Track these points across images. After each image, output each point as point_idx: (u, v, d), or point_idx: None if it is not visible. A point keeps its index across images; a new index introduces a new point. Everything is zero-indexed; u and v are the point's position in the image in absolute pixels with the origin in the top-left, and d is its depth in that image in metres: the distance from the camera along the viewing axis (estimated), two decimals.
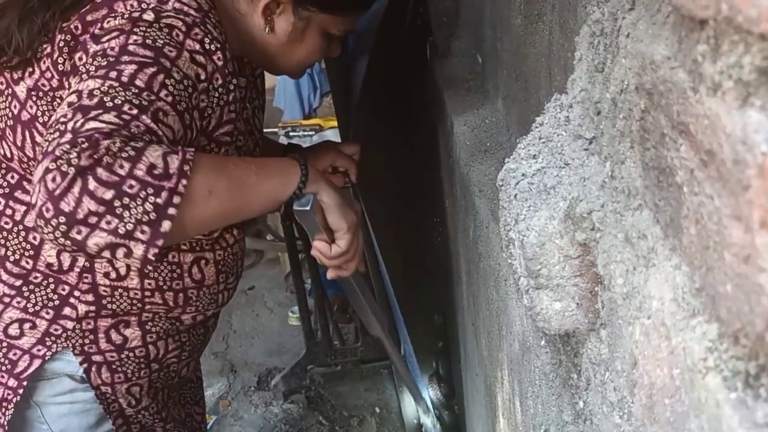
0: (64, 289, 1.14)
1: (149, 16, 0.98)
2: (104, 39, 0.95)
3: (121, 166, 0.84)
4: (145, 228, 0.85)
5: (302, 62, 1.29)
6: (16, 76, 1.06)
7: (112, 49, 0.93)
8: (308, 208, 1.03)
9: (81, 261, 1.13)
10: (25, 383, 1.14)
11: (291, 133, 3.14)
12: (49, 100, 1.02)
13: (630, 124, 0.51)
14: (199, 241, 1.19)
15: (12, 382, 1.15)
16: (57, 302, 1.14)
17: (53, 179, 0.82)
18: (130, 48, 0.93)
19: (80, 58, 0.97)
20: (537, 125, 0.69)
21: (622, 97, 0.52)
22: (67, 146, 0.83)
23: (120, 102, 0.88)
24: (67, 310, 1.15)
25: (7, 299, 1.15)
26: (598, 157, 0.59)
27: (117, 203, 0.83)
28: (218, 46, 1.03)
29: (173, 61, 0.96)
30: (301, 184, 1.06)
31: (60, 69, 1.00)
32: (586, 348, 0.62)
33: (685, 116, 0.40)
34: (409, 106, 2.04)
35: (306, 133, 3.13)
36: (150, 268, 1.15)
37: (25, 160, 1.08)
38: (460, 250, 1.60)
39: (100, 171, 0.83)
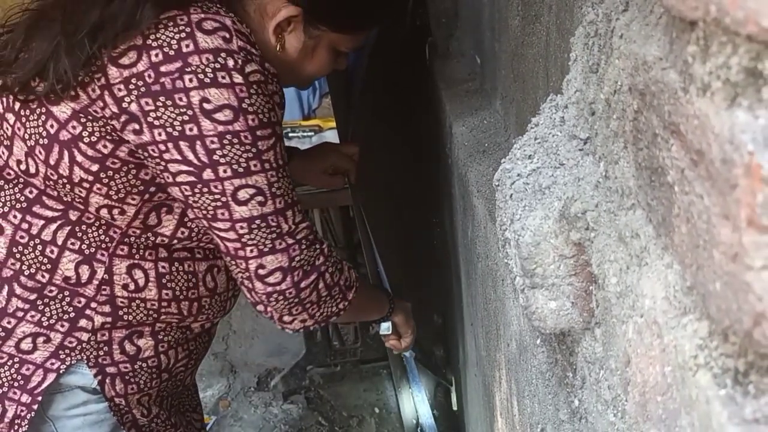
0: (80, 302, 1.14)
1: (238, 79, 1.01)
2: (219, 117, 1.00)
3: (336, 274, 1.19)
4: (326, 319, 1.23)
5: (310, 77, 1.31)
6: (53, 97, 1.05)
7: (243, 134, 1.03)
8: (389, 332, 1.58)
9: (100, 273, 1.13)
10: (39, 398, 1.14)
11: (290, 134, 3.14)
12: (102, 124, 1.03)
13: (623, 125, 0.51)
14: (212, 250, 1.21)
15: (26, 398, 1.14)
16: (72, 314, 1.14)
17: (299, 274, 1.12)
18: (258, 133, 1.04)
19: (147, 104, 1.00)
20: (533, 126, 0.69)
21: (615, 98, 0.53)
22: (303, 247, 1.12)
23: (288, 196, 1.11)
24: (83, 322, 1.15)
25: (20, 313, 1.14)
26: (593, 158, 0.59)
27: (324, 299, 1.18)
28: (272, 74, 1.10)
29: (278, 123, 1.10)
30: (388, 314, 1.52)
31: (123, 107, 1.01)
32: (582, 347, 0.62)
33: (676, 116, 0.40)
34: (409, 107, 2.05)
35: (305, 134, 3.13)
36: (166, 278, 1.17)
37: (54, 177, 1.08)
38: (458, 251, 1.61)
39: (326, 276, 1.17)
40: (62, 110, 1.05)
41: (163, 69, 0.99)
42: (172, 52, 0.99)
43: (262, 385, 2.96)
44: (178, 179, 1.04)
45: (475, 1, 1.49)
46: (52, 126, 1.06)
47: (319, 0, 1.18)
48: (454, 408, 2.18)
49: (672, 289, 0.43)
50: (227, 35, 1.01)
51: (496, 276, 1.09)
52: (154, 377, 1.23)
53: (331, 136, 2.90)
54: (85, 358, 1.16)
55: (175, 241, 1.16)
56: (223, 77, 0.99)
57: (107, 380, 1.18)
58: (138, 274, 1.15)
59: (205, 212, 1.07)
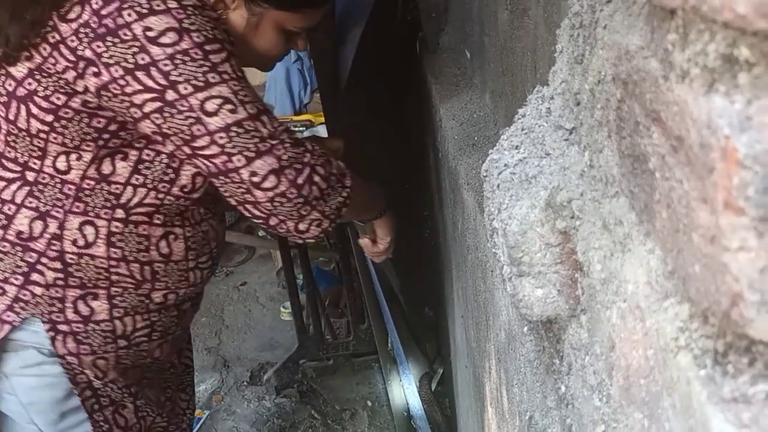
0: (31, 257, 1.19)
1: (173, 4, 1.06)
2: (164, 40, 1.06)
3: (326, 164, 1.19)
4: (336, 212, 1.22)
5: (262, 56, 1.33)
6: (11, 59, 1.13)
7: (192, 51, 1.07)
8: (363, 224, 1.55)
9: (52, 228, 1.18)
10: None
11: None
12: (55, 80, 1.11)
13: (607, 114, 0.52)
14: (169, 216, 1.23)
15: None
16: (26, 269, 1.19)
17: (291, 172, 1.13)
18: (207, 47, 1.08)
19: (98, 46, 1.06)
20: (519, 117, 0.70)
21: (599, 88, 0.53)
22: (287, 146, 1.13)
23: (258, 103, 1.13)
24: (35, 276, 1.19)
25: None
26: (578, 147, 0.60)
27: (325, 191, 1.18)
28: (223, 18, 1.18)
29: (227, 42, 1.12)
30: (382, 212, 1.51)
31: (79, 54, 1.08)
32: (568, 334, 0.63)
33: (656, 104, 0.41)
34: (399, 101, 2.05)
35: (297, 128, 3.14)
36: (117, 237, 1.20)
37: (15, 132, 1.16)
38: (449, 243, 1.61)
39: (318, 168, 1.17)
40: (19, 70, 1.12)
41: (103, 12, 1.06)
42: None
43: (255, 380, 2.96)
44: (146, 109, 1.09)
45: None
46: (10, 85, 1.14)
47: None
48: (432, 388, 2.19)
49: (654, 273, 0.44)
50: None
51: (485, 267, 1.10)
52: (109, 341, 1.25)
53: (323, 131, 2.90)
54: (39, 313, 1.20)
55: (131, 193, 1.18)
56: (158, 5, 1.06)
57: (59, 337, 1.21)
58: (88, 230, 1.19)
59: (182, 135, 1.10)
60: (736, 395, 0.35)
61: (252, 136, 1.10)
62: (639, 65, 0.44)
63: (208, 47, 1.08)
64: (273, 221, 1.18)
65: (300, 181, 1.14)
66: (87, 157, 1.15)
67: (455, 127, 1.42)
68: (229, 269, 3.68)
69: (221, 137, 1.09)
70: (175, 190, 1.21)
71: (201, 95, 1.07)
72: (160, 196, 1.20)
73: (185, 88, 1.07)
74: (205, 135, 1.09)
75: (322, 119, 2.88)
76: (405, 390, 2.32)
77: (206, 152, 1.11)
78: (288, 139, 1.14)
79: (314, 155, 1.17)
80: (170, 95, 1.07)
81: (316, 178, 1.16)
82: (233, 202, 1.18)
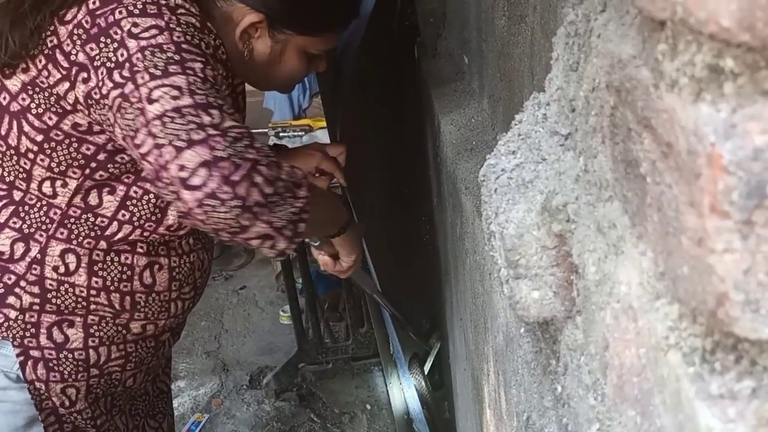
0: (10, 279, 1.16)
1: (165, 10, 1.03)
2: (144, 35, 1.00)
3: (273, 166, 0.98)
4: (290, 226, 1.00)
5: (286, 81, 1.34)
6: (7, 71, 1.11)
7: (167, 45, 1.00)
8: (316, 244, 1.36)
9: (33, 252, 1.15)
10: None
11: (281, 134, 3.16)
12: (47, 95, 1.08)
13: (601, 120, 0.54)
14: (155, 246, 1.20)
15: None
16: (2, 290, 1.16)
17: (227, 166, 0.92)
18: (184, 47, 1.01)
19: (92, 49, 1.03)
20: (516, 122, 0.72)
21: (594, 95, 0.55)
22: (229, 140, 0.94)
23: (216, 99, 0.98)
24: (11, 299, 1.16)
25: None
26: (573, 152, 0.62)
27: (271, 197, 0.96)
28: (223, 50, 1.11)
29: (214, 58, 1.06)
30: (343, 229, 1.34)
31: (72, 59, 1.05)
32: (564, 335, 0.65)
33: (647, 111, 0.43)
34: (398, 106, 2.07)
35: (296, 133, 3.15)
36: (99, 266, 1.16)
37: (3, 149, 1.13)
38: (447, 247, 1.63)
39: (262, 168, 0.96)
40: (14, 83, 1.10)
41: (98, 12, 1.03)
42: None
43: (255, 383, 2.98)
44: (114, 108, 1.00)
45: (462, 1, 1.51)
46: (5, 98, 1.11)
47: (280, 5, 1.20)
48: (425, 371, 2.18)
49: (646, 275, 0.46)
50: None
51: (483, 270, 1.11)
52: (81, 370, 1.22)
53: (322, 135, 2.92)
54: (11, 336, 1.17)
55: (116, 228, 1.15)
56: (152, 9, 1.03)
57: (29, 363, 1.18)
58: (70, 258, 1.16)
59: (129, 132, 0.98)
60: (723, 391, 0.37)
61: (188, 122, 0.94)
62: (631, 74, 0.46)
63: (184, 46, 1.01)
64: (224, 235, 1.00)
65: (235, 177, 0.93)
66: (72, 184, 1.12)
67: (453, 132, 1.43)
68: (229, 273, 3.70)
69: (155, 125, 0.94)
70: (162, 229, 1.17)
71: (153, 83, 0.96)
72: (146, 233, 1.17)
73: (142, 78, 0.97)
74: (143, 127, 0.95)
75: (321, 124, 2.90)
76: (405, 393, 2.32)
77: (143, 150, 0.95)
78: (233, 132, 0.96)
79: (260, 153, 0.97)
80: (128, 87, 0.98)
81: (258, 179, 0.95)
82: (178, 216, 1.05)
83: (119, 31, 1.01)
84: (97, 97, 1.03)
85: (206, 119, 0.94)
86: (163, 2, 1.04)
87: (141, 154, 0.96)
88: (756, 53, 0.33)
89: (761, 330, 0.34)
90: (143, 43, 0.99)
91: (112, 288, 1.19)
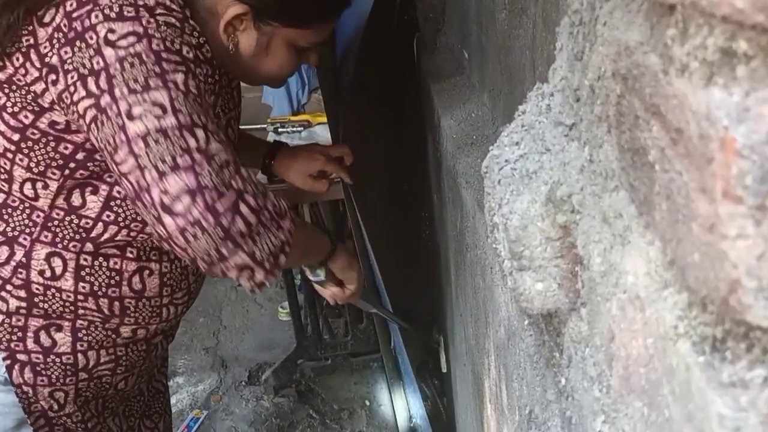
0: None
1: (143, 12, 0.99)
2: (121, 43, 0.97)
3: (259, 196, 0.98)
4: (271, 259, 1.00)
5: (274, 75, 1.28)
6: None
7: (145, 55, 0.97)
8: (322, 279, 1.37)
9: (18, 256, 1.13)
10: None
11: (280, 129, 3.15)
12: (24, 93, 1.05)
13: (607, 109, 0.53)
14: (145, 251, 1.18)
15: None
16: None
17: (212, 195, 0.92)
18: (163, 56, 0.98)
19: (66, 52, 1.00)
20: (520, 113, 0.71)
21: (599, 84, 0.54)
22: (215, 166, 0.94)
23: (201, 118, 0.97)
24: None
25: None
26: (578, 142, 0.61)
27: (255, 227, 0.97)
28: (207, 48, 1.09)
29: (194, 63, 1.02)
30: (328, 256, 1.34)
31: (46, 61, 1.02)
32: (568, 327, 0.64)
33: (656, 98, 0.42)
34: (398, 103, 2.07)
35: (295, 129, 3.14)
36: (86, 271, 1.14)
37: None
38: (448, 242, 1.62)
39: (248, 197, 0.96)
40: None
41: (75, 15, 1.00)
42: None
43: (253, 379, 2.98)
44: (87, 118, 0.98)
45: None
46: None
47: None
48: (443, 370, 2.18)
49: (653, 264, 0.45)
50: None
51: (484, 264, 1.11)
52: (69, 374, 1.20)
53: (321, 131, 2.91)
54: None
55: (101, 229, 1.13)
56: (129, 12, 0.99)
57: (16, 366, 1.17)
58: (56, 262, 1.14)
59: (107, 146, 0.97)
60: (735, 380, 0.36)
61: (173, 145, 0.93)
62: (639, 60, 0.45)
63: (164, 55, 0.98)
64: (201, 264, 0.99)
65: (220, 207, 0.93)
66: (53, 186, 1.10)
67: (453, 127, 1.43)
68: None
69: (137, 145, 0.93)
70: (149, 229, 1.09)
71: (133, 98, 0.94)
72: (133, 234, 1.15)
73: (120, 92, 0.95)
74: (124, 144, 0.94)
75: (320, 119, 2.89)
76: (406, 389, 2.32)
77: (123, 168, 0.95)
78: (218, 159, 0.95)
79: (247, 182, 0.97)
80: (104, 99, 0.95)
81: (244, 209, 0.95)
82: (157, 239, 1.01)
83: (95, 36, 0.97)
84: (68, 101, 1.01)
85: (192, 143, 0.93)
86: (141, 2, 1.00)
87: (122, 172, 0.95)
88: None
89: None
90: (121, 53, 0.96)
91: (100, 293, 1.17)
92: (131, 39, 0.97)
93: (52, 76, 1.02)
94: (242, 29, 1.17)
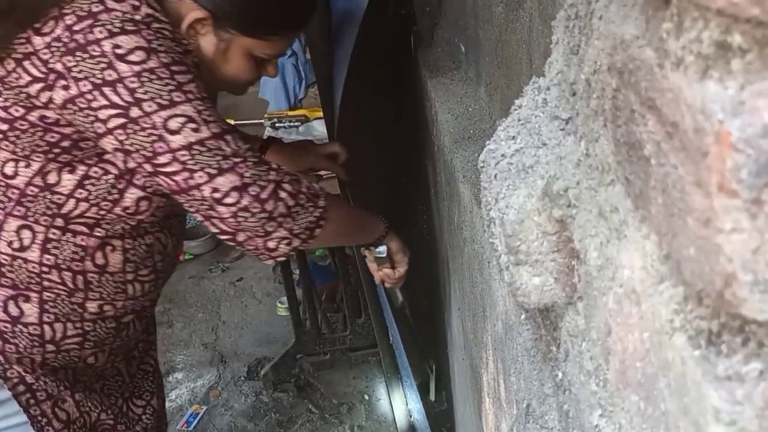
0: None
1: (143, 27, 1.08)
2: (132, 58, 1.07)
3: (294, 182, 1.19)
4: (307, 232, 1.21)
5: (231, 81, 1.33)
6: None
7: (159, 70, 1.09)
8: (384, 255, 1.50)
9: None
10: None
11: (277, 124, 3.15)
12: (16, 93, 1.12)
13: (603, 103, 0.53)
14: (113, 228, 1.23)
15: None
16: None
17: (254, 189, 1.14)
18: (174, 68, 1.10)
19: (69, 61, 1.07)
20: (516, 108, 0.71)
21: (595, 78, 0.54)
22: (250, 164, 1.14)
23: (222, 123, 1.15)
24: None
25: None
26: (574, 137, 0.61)
27: (293, 208, 1.18)
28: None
29: (194, 69, 1.14)
30: (383, 236, 1.48)
31: (50, 67, 1.09)
32: (565, 321, 0.64)
33: (652, 92, 0.42)
34: (395, 98, 2.06)
35: (292, 124, 3.14)
36: (53, 244, 1.21)
37: None
38: (445, 237, 1.62)
39: (285, 185, 1.17)
40: None
41: (76, 28, 1.07)
42: (83, 14, 1.07)
43: (252, 374, 2.98)
44: (110, 125, 1.10)
45: None
46: None
47: (226, 4, 1.22)
48: (432, 398, 2.19)
49: (649, 258, 0.45)
50: (136, 3, 1.09)
51: (482, 259, 1.11)
52: (36, 345, 1.26)
53: (318, 126, 2.91)
54: None
55: (72, 205, 1.19)
56: (130, 26, 1.08)
57: None
58: (25, 234, 1.20)
59: (144, 152, 1.11)
60: (730, 373, 0.36)
61: (214, 154, 1.11)
62: (634, 54, 0.45)
63: (174, 68, 1.10)
64: (240, 237, 1.18)
65: (264, 196, 1.14)
66: (35, 166, 1.16)
67: (450, 121, 1.43)
68: (225, 265, 3.69)
69: (183, 155, 1.10)
70: (117, 209, 1.21)
71: (165, 113, 1.09)
72: (102, 212, 1.21)
73: (149, 106, 1.08)
74: (167, 152, 1.10)
75: (317, 114, 2.89)
76: (404, 383, 2.32)
77: (167, 169, 1.12)
78: (252, 157, 1.15)
79: (279, 173, 1.18)
80: (134, 112, 1.09)
81: (282, 194, 1.16)
82: (200, 218, 1.18)
83: (99, 50, 1.06)
84: (83, 106, 1.10)
85: (227, 149, 1.13)
86: (137, 17, 1.08)
87: (164, 172, 1.12)
88: (765, 28, 0.32)
89: None
90: (136, 68, 1.07)
91: (63, 267, 1.22)
92: (141, 54, 1.08)
93: (62, 82, 1.08)
94: (202, 33, 1.24)
